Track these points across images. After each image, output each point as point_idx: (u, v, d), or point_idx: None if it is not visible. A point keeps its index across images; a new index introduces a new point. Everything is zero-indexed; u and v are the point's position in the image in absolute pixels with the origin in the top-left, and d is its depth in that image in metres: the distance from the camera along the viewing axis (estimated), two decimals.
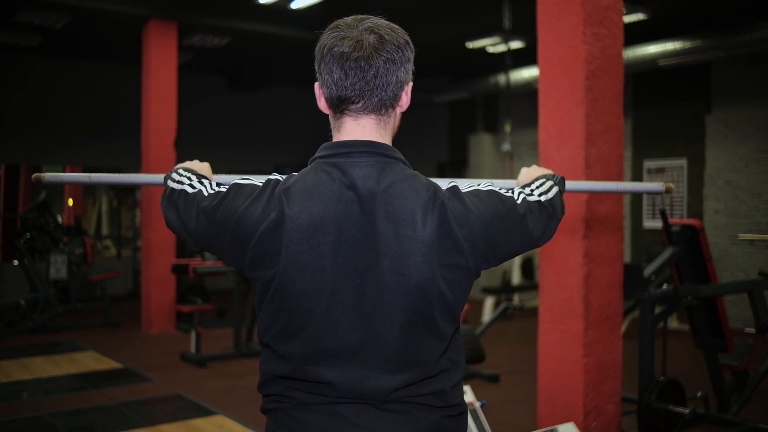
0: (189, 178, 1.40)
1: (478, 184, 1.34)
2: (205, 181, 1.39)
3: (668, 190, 1.77)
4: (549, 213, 1.39)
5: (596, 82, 3.68)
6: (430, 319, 1.24)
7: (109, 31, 8.67)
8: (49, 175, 1.71)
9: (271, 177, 1.30)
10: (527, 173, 1.55)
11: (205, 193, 1.34)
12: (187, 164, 1.52)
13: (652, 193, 1.96)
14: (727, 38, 7.21)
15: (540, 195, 1.40)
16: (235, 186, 1.30)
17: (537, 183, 1.44)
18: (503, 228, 1.29)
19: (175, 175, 1.42)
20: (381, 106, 1.29)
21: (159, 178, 1.65)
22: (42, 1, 7.22)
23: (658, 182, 1.78)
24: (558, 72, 3.76)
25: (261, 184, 1.28)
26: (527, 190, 1.41)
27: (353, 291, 1.22)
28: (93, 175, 1.76)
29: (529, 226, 1.33)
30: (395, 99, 1.31)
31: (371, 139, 1.29)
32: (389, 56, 1.26)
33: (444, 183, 1.32)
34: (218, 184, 1.37)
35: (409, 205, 1.23)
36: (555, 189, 1.44)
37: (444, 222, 1.23)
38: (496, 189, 1.34)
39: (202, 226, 1.31)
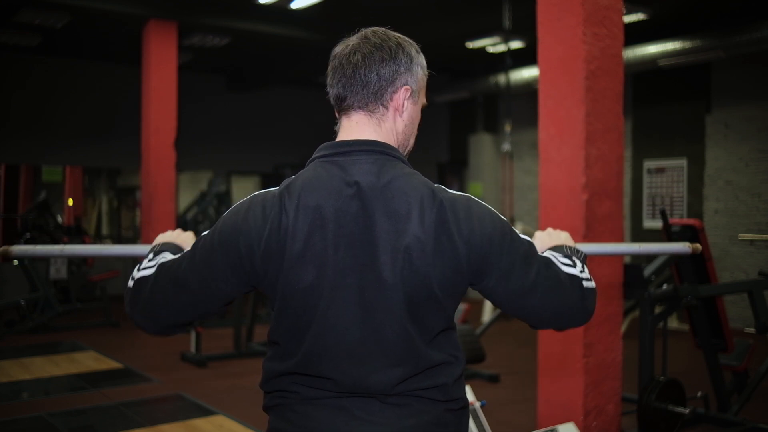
0: (149, 264, 1.34)
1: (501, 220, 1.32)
2: (167, 254, 1.36)
3: (695, 251, 1.67)
4: (584, 293, 1.33)
5: (596, 82, 3.68)
6: (422, 315, 1.25)
7: (109, 31, 8.67)
8: (16, 249, 1.60)
9: (256, 193, 1.31)
10: (543, 239, 1.48)
11: (171, 258, 1.32)
12: (165, 238, 1.48)
13: (676, 254, 1.93)
14: (727, 38, 7.21)
15: (574, 269, 1.35)
16: (220, 220, 1.31)
17: (578, 266, 1.37)
18: (502, 254, 1.27)
19: (135, 272, 1.35)
20: (366, 103, 1.33)
21: (139, 249, 1.57)
22: (42, 1, 7.22)
23: (684, 243, 1.73)
24: (558, 72, 3.76)
25: (245, 201, 1.30)
26: (560, 257, 1.36)
27: (353, 287, 1.23)
28: (66, 247, 1.66)
29: (545, 286, 1.29)
30: (381, 97, 1.33)
31: (370, 138, 1.32)
32: (369, 55, 1.31)
33: (458, 189, 1.33)
34: (194, 246, 1.33)
35: (409, 201, 1.24)
36: (590, 278, 1.37)
37: (443, 221, 1.24)
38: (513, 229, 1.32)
39: (182, 293, 1.28)
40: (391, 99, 1.34)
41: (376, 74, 1.31)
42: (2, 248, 1.60)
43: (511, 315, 1.36)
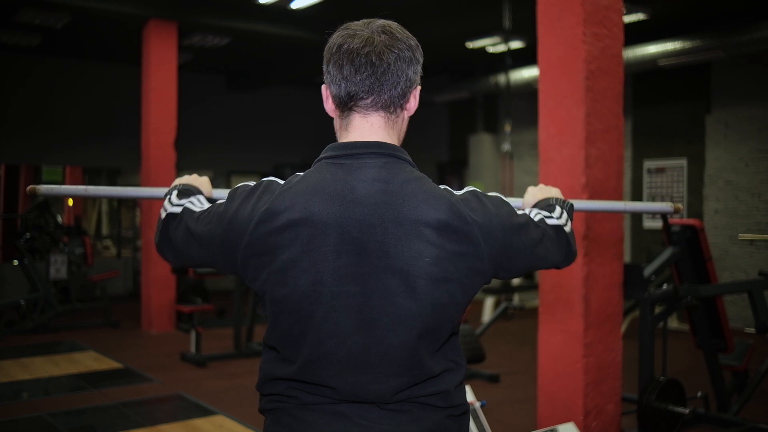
0: (180, 201, 1.40)
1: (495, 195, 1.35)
2: (195, 199, 1.39)
3: (676, 211, 1.77)
4: (568, 239, 1.42)
5: (596, 82, 3.68)
6: (432, 322, 1.22)
7: (109, 31, 8.67)
8: (44, 188, 1.68)
9: (265, 179, 1.29)
10: (534, 194, 1.55)
11: (195, 210, 1.35)
12: (184, 180, 1.53)
13: (660, 213, 2.06)
14: (727, 38, 7.21)
15: (558, 219, 1.42)
16: (229, 193, 1.31)
17: (556, 211, 1.44)
18: (519, 240, 1.30)
19: (167, 204, 1.41)
20: (390, 104, 1.28)
21: (157, 191, 1.64)
22: (42, 1, 7.22)
23: (666, 202, 1.81)
24: (558, 72, 3.76)
25: (253, 184, 1.28)
26: (545, 213, 1.42)
27: (356, 295, 1.20)
28: (90, 188, 1.74)
29: (547, 246, 1.36)
30: (404, 98, 1.29)
31: (380, 140, 1.28)
32: (400, 53, 1.26)
33: (460, 190, 1.32)
34: (211, 200, 1.40)
35: (420, 207, 1.21)
36: (569, 220, 1.45)
37: (461, 224, 1.21)
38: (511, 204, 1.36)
39: (193, 246, 1.32)
40: (408, 100, 1.31)
41: (405, 75, 1.27)
42: (30, 186, 1.67)
43: None
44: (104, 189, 1.85)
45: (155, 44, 7.79)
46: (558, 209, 1.45)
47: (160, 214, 1.40)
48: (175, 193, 1.43)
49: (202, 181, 1.54)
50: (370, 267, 1.19)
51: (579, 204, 1.70)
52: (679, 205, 1.82)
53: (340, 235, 1.19)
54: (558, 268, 1.43)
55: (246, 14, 7.97)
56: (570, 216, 1.47)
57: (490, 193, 1.33)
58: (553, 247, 1.38)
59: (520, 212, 1.35)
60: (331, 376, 1.21)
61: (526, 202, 1.56)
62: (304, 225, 1.19)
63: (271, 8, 7.68)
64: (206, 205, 1.37)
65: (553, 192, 1.54)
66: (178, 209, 1.37)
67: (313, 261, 1.19)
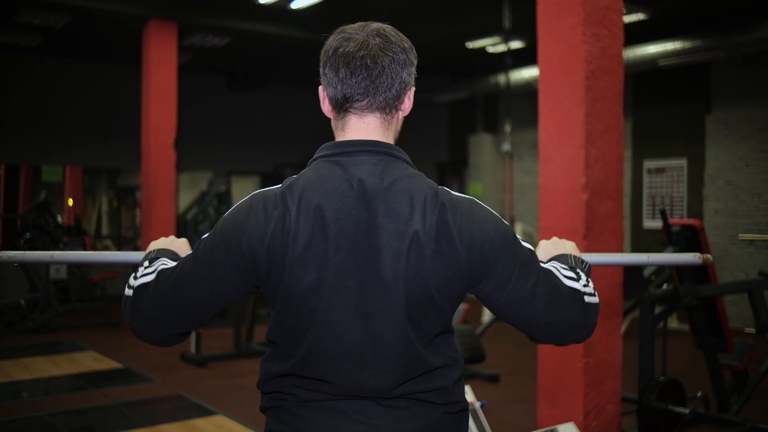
0: (146, 270, 1.32)
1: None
2: (165, 259, 1.34)
3: (705, 263, 1.59)
4: (583, 306, 1.30)
5: (596, 82, 3.67)
6: (420, 318, 1.24)
7: (109, 31, 8.67)
8: (5, 255, 1.54)
9: (255, 193, 1.29)
10: (546, 249, 1.45)
11: (169, 264, 1.31)
12: (159, 244, 1.45)
13: (686, 264, 1.85)
14: (727, 38, 7.21)
15: (577, 282, 1.31)
16: (221, 221, 1.28)
17: (580, 276, 1.33)
18: (502, 260, 1.25)
19: (131, 280, 1.32)
20: (385, 105, 1.30)
21: (133, 256, 1.52)
22: (42, 1, 7.23)
23: (695, 253, 1.61)
24: (558, 72, 3.76)
25: (246, 200, 1.28)
26: (565, 271, 1.33)
27: (353, 290, 1.22)
28: (56, 254, 1.58)
29: (538, 294, 1.26)
30: (399, 100, 1.32)
31: (375, 139, 1.30)
32: (394, 56, 1.28)
33: (460, 191, 1.31)
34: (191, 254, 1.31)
35: (412, 203, 1.23)
36: (592, 288, 1.33)
37: (444, 223, 1.22)
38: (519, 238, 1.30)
39: (183, 293, 1.26)
40: (403, 102, 1.33)
41: (400, 77, 1.30)
42: None
43: (509, 324, 1.33)
44: (72, 254, 1.66)
45: (155, 44, 7.79)
46: (583, 276, 1.34)
47: (125, 293, 1.32)
48: (144, 264, 1.35)
49: (179, 244, 1.46)
50: (366, 262, 1.21)
51: (599, 258, 1.58)
52: (708, 256, 1.61)
53: (338, 230, 1.22)
54: (557, 342, 1.31)
55: (246, 14, 7.97)
56: (589, 278, 1.35)
57: (493, 211, 1.30)
58: (553, 301, 1.27)
59: (526, 245, 1.30)
60: (329, 370, 1.23)
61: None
62: (305, 222, 1.21)
63: (271, 8, 7.68)
64: (184, 256, 1.33)
65: (568, 247, 1.45)
66: (149, 277, 1.30)
67: (316, 257, 1.21)
